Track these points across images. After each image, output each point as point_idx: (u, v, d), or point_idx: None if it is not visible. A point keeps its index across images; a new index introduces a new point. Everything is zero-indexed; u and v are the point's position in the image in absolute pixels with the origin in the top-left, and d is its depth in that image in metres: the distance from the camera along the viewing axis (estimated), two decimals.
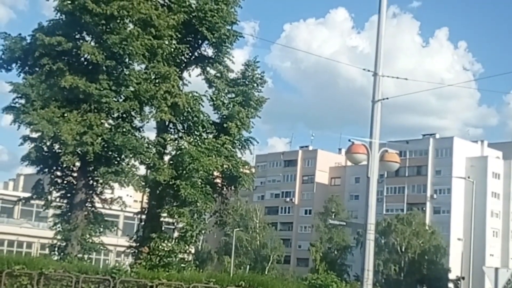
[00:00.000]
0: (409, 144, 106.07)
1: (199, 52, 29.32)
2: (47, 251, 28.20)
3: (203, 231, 29.73)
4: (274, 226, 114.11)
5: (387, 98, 19.94)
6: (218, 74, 28.97)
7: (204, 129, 28.27)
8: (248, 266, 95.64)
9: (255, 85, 29.32)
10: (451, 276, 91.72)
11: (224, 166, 27.46)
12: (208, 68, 29.15)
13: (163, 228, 29.41)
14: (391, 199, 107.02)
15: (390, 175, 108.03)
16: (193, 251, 79.52)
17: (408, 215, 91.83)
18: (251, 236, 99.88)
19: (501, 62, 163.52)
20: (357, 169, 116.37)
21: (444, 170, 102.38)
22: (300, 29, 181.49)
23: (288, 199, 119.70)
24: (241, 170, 28.50)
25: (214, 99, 28.82)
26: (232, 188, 29.51)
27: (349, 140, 21.12)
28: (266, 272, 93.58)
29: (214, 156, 27.22)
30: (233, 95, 29.01)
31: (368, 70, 20.28)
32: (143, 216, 29.47)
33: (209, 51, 29.14)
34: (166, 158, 28.40)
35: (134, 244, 29.31)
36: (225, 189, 29.59)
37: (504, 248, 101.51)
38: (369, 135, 19.54)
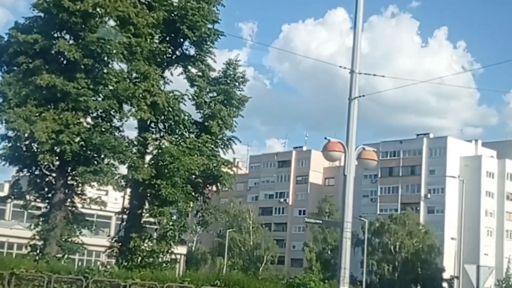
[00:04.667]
0: (403, 144, 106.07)
1: (181, 51, 29.08)
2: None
3: (184, 231, 29.35)
4: (268, 227, 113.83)
5: (363, 96, 19.79)
6: (200, 73, 28.75)
7: (186, 128, 28.03)
8: (237, 267, 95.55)
9: (237, 84, 29.11)
10: (445, 275, 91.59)
11: (205, 165, 27.15)
12: (189, 67, 28.91)
13: (145, 228, 29.05)
14: (385, 199, 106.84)
15: (384, 175, 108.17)
16: (184, 251, 79.61)
17: (401, 215, 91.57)
18: (244, 237, 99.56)
19: (501, 62, 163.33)
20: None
21: (438, 169, 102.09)
22: (298, 30, 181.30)
23: (282, 200, 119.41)
24: (222, 169, 28.19)
25: (196, 98, 28.58)
26: (214, 187, 29.19)
27: (325, 138, 20.95)
28: (259, 273, 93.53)
29: (196, 155, 26.99)
30: (215, 94, 28.78)
31: (345, 68, 20.09)
32: (125, 216, 29.17)
33: (191, 50, 28.94)
34: (148, 157, 28.14)
35: (116, 244, 29.03)
36: (206, 188, 29.27)
37: (498, 248, 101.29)
38: (345, 133, 19.39)
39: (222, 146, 29.46)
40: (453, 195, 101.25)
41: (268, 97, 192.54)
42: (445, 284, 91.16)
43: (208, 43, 28.20)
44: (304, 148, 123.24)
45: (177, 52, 28.98)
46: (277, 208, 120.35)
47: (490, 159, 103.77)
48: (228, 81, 28.96)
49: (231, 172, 29.22)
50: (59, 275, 19.78)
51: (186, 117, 28.05)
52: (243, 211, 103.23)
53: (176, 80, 29.85)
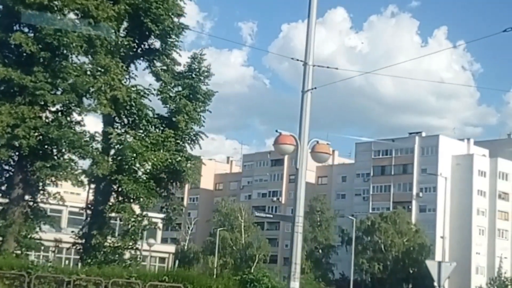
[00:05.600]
0: (395, 143, 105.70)
1: (146, 45, 28.69)
2: None
3: (147, 227, 28.96)
4: (261, 226, 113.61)
5: (315, 88, 19.47)
6: (165, 67, 28.36)
7: (150, 123, 27.66)
8: (229, 266, 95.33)
9: (202, 78, 28.75)
10: None
11: (168, 160, 26.77)
12: (155, 61, 28.54)
13: (109, 224, 28.69)
14: (377, 197, 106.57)
15: (376, 173, 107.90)
16: (172, 250, 79.07)
17: (392, 214, 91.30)
18: (236, 235, 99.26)
19: (501, 62, 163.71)
20: (344, 168, 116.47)
21: (429, 168, 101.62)
22: (298, 29, 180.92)
23: (275, 199, 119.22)
24: (186, 164, 27.80)
25: (161, 93, 28.23)
26: (178, 183, 28.80)
27: (276, 131, 20.63)
28: (252, 271, 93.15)
29: (161, 151, 26.64)
30: (180, 89, 28.41)
31: (297, 60, 19.80)
32: (89, 212, 28.81)
33: (157, 44, 28.55)
34: (112, 152, 27.79)
35: (79, 241, 28.68)
36: (170, 184, 28.89)
37: (490, 246, 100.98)
38: (298, 126, 19.09)
39: (189, 142, 29.08)
40: (444, 194, 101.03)
41: (268, 97, 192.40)
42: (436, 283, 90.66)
43: (173, 37, 27.83)
44: None
45: (143, 46, 28.61)
46: (270, 207, 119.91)
47: (482, 158, 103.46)
48: (193, 76, 28.61)
49: (195, 168, 28.71)
50: (1, 271, 19.40)
51: (150, 112, 27.70)
52: (235, 209, 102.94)
53: (146, 75, 29.61)
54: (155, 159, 26.11)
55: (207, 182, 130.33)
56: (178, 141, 28.38)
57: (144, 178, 26.63)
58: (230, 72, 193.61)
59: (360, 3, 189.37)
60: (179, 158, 27.32)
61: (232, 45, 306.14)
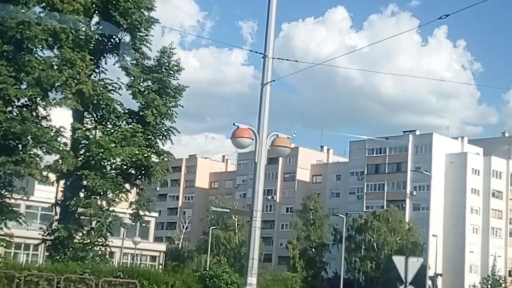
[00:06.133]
0: (389, 141, 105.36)
1: (116, 39, 28.37)
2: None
3: (114, 223, 28.59)
4: None
5: (274, 81, 19.21)
6: (134, 62, 28.05)
7: (118, 118, 27.34)
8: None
9: (171, 72, 28.44)
10: (430, 273, 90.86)
11: (136, 155, 26.43)
12: (125, 56, 28.22)
13: (77, 221, 28.32)
14: (371, 196, 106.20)
15: (370, 172, 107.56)
16: (163, 248, 78.76)
17: (384, 212, 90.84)
18: (229, 234, 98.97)
19: (501, 61, 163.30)
20: (339, 167, 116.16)
21: (423, 166, 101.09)
22: (298, 28, 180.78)
23: (269, 197, 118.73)
24: (154, 160, 27.46)
25: (130, 87, 27.91)
26: (146, 178, 28.46)
27: (234, 124, 20.35)
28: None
29: (131, 146, 26.31)
30: (150, 83, 28.10)
31: (256, 52, 19.53)
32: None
33: (127, 38, 28.25)
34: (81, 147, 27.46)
35: (48, 237, 28.36)
36: (138, 179, 28.54)
37: (484, 245, 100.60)
38: (257, 119, 18.83)
39: (161, 137, 28.77)
40: (438, 192, 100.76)
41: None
42: (429, 282, 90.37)
43: (142, 30, 27.52)
44: (292, 145, 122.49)
45: (112, 41, 28.29)
46: (265, 205, 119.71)
47: (475, 156, 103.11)
48: (163, 70, 28.29)
49: (164, 163, 28.34)
50: None
51: (118, 107, 27.38)
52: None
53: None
54: (123, 154, 25.79)
55: (202, 180, 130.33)
56: (150, 136, 28.07)
57: (113, 174, 26.29)
58: (231, 72, 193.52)
59: (360, 2, 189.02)
60: (147, 153, 26.96)
61: (233, 45, 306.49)
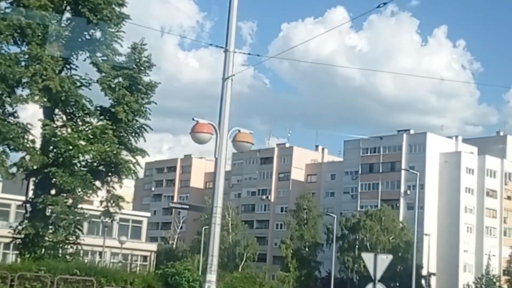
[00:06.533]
0: (383, 140, 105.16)
1: (88, 35, 28.08)
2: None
3: (81, 221, 28.27)
4: (250, 224, 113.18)
5: (234, 75, 19.05)
6: (105, 58, 27.79)
7: (88, 115, 27.08)
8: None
9: (143, 68, 28.19)
10: (424, 272, 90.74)
11: (105, 153, 26.14)
12: (96, 52, 27.94)
13: (46, 219, 27.96)
14: (366, 195, 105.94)
15: (365, 171, 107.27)
16: (154, 248, 78.47)
17: (377, 211, 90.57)
18: (223, 234, 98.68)
19: (501, 61, 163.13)
20: (333, 166, 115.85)
21: (417, 166, 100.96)
22: (298, 28, 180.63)
23: (264, 197, 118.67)
24: (124, 157, 27.17)
25: (101, 83, 27.66)
26: (116, 176, 28.15)
27: (193, 119, 20.15)
28: (239, 270, 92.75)
29: (102, 143, 26.05)
30: (121, 79, 27.82)
31: (217, 46, 19.35)
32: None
33: (98, 34, 27.96)
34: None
35: (18, 236, 28.04)
36: (109, 177, 28.23)
37: (478, 244, 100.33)
38: (218, 114, 18.65)
39: (133, 134, 28.51)
40: (432, 191, 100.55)
41: (268, 96, 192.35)
42: (423, 281, 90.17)
43: (113, 26, 27.25)
44: (287, 145, 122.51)
45: (83, 37, 28.01)
46: (259, 205, 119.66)
47: (469, 155, 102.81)
48: (134, 66, 28.05)
49: (133, 160, 28.01)
50: None
51: (87, 103, 27.11)
52: (222, 208, 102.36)
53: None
54: (93, 151, 25.55)
55: (197, 180, 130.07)
56: (122, 133, 27.80)
57: (82, 171, 26.03)
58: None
59: (360, 2, 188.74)
60: (116, 150, 26.67)
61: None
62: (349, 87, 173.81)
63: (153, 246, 77.67)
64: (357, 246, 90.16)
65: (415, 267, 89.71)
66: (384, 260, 23.48)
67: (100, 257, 63.53)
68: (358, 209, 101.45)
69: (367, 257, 23.77)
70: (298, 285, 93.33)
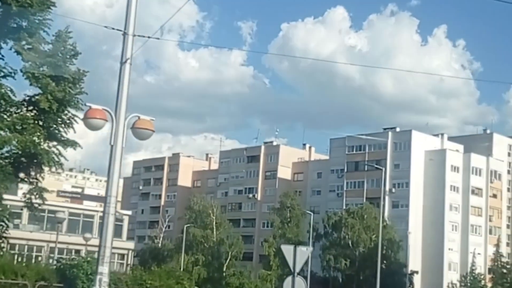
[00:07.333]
0: (368, 138, 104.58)
1: (13, 23, 27.34)
2: None
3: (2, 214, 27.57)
4: (237, 223, 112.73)
5: (128, 59, 18.43)
6: (30, 46, 27.10)
7: (9, 104, 26.39)
8: (199, 263, 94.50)
9: (68, 57, 27.54)
10: (408, 270, 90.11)
11: (27, 144, 25.47)
12: (20, 40, 27.21)
13: None
14: (351, 193, 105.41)
15: (350, 169, 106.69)
16: (132, 246, 77.98)
17: (359, 209, 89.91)
18: (207, 232, 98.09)
19: (500, 61, 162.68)
20: (319, 164, 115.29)
21: (402, 163, 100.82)
22: (298, 28, 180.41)
23: (251, 195, 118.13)
24: (43, 147, 26.43)
25: (24, 73, 26.98)
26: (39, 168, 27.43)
27: (85, 104, 19.58)
28: (224, 269, 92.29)
29: (22, 134, 25.42)
30: (45, 68, 27.13)
31: (113, 28, 18.73)
32: None
33: (24, 23, 27.23)
34: None
35: None
36: (31, 168, 27.52)
37: (463, 242, 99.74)
38: (115, 99, 18.05)
39: (62, 125, 27.83)
40: (418, 189, 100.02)
41: (268, 96, 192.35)
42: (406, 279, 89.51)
43: (38, 14, 26.56)
44: (274, 143, 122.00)
45: (9, 25, 27.28)
46: (246, 203, 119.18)
47: (455, 153, 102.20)
48: (59, 55, 27.39)
49: (56, 151, 27.18)
50: None
51: (9, 92, 26.44)
52: (206, 206, 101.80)
53: None
54: (13, 142, 24.94)
55: (185, 179, 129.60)
56: (51, 124, 27.15)
57: (1, 163, 25.38)
58: (230, 72, 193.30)
59: (360, 2, 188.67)
60: (38, 140, 26.04)
61: (232, 45, 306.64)
62: (349, 87, 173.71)
63: (131, 245, 77.02)
64: (339, 244, 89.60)
65: (399, 265, 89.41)
66: (304, 252, 22.92)
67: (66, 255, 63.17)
68: (344, 207, 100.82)
69: (287, 249, 23.12)
70: (280, 283, 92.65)
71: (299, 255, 22.27)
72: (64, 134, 27.82)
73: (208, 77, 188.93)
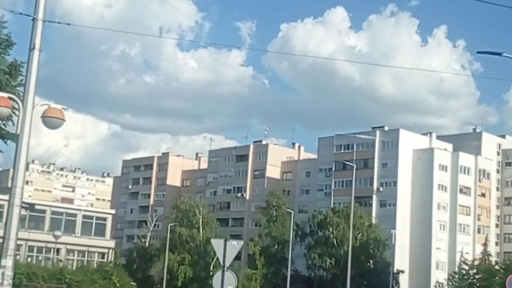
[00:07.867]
0: (356, 137, 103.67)
1: None
2: None
3: None
4: (225, 222, 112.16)
5: (34, 47, 17.70)
6: None
7: None
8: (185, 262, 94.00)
9: (3, 48, 26.89)
10: (394, 269, 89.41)
11: None
12: None
13: None
14: (339, 192, 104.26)
15: (338, 168, 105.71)
16: (112, 245, 77.17)
17: (344, 208, 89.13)
18: (193, 231, 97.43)
19: (500, 61, 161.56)
20: (308, 163, 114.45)
21: (390, 162, 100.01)
22: (297, 29, 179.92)
23: (239, 195, 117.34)
24: None
25: None
26: None
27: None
28: (211, 268, 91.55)
29: None
30: None
31: (20, 13, 18.02)
32: None
33: None
34: None
35: None
36: None
37: (451, 242, 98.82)
38: (24, 86, 17.33)
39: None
40: (405, 188, 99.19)
41: (267, 97, 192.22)
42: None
43: None
44: (263, 142, 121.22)
45: None
46: (235, 203, 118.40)
47: (443, 152, 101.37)
48: None
49: None
50: None
51: None
52: (193, 205, 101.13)
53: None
54: None
55: (174, 178, 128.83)
56: None
57: None
58: (230, 72, 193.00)
59: (360, 3, 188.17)
60: None
61: (231, 45, 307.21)
62: (347, 87, 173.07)
63: (111, 243, 76.43)
64: (324, 243, 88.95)
65: (385, 264, 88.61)
66: (235, 246, 22.28)
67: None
68: (332, 206, 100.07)
69: (217, 244, 22.51)
70: (266, 282, 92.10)
71: (229, 249, 21.68)
72: (3, 126, 27.14)
73: (207, 77, 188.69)
